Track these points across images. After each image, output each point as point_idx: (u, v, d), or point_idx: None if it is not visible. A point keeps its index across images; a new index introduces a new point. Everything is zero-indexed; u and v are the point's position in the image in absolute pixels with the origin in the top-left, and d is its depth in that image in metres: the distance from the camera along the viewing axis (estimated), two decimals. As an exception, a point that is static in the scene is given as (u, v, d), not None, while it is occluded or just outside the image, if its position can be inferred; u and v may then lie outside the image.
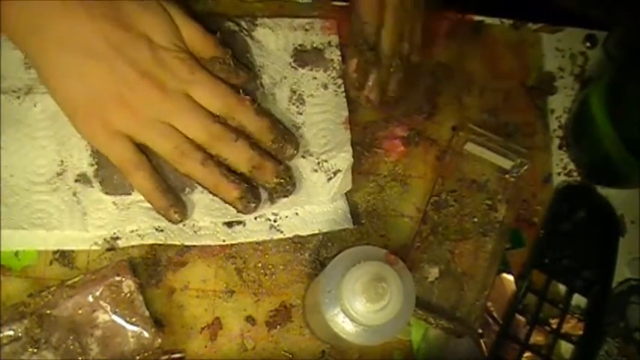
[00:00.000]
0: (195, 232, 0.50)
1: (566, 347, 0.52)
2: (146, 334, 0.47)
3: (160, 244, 0.50)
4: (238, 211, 0.49)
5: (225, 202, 0.49)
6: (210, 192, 0.49)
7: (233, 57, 0.50)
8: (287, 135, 0.50)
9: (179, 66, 0.48)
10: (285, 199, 0.51)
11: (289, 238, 0.51)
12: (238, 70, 0.50)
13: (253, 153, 0.48)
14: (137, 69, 0.47)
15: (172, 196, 0.49)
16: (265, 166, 0.49)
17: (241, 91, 0.50)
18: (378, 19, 0.50)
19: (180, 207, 0.49)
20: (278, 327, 0.50)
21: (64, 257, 0.49)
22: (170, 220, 0.49)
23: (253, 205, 0.49)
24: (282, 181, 0.49)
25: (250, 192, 0.49)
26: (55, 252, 0.49)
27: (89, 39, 0.46)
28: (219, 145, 0.48)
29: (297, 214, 0.51)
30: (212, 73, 0.49)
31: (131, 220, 0.49)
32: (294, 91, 0.53)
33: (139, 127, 0.47)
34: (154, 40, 0.48)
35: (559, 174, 0.56)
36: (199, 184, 0.50)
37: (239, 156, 0.48)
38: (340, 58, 0.55)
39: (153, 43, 0.47)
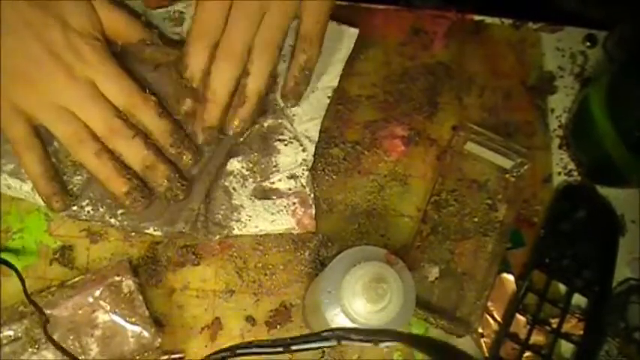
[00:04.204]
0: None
1: (566, 347, 0.52)
2: (146, 334, 0.47)
3: (158, 242, 0.50)
4: (126, 207, 0.49)
5: (115, 197, 0.49)
6: (102, 184, 0.49)
7: (161, 37, 0.51)
8: (187, 142, 0.50)
9: (90, 53, 0.47)
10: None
11: (290, 238, 0.51)
12: (167, 49, 0.51)
13: (148, 152, 0.48)
14: (47, 49, 0.46)
15: (58, 185, 0.48)
16: (157, 168, 0.48)
17: (147, 90, 0.49)
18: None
19: (63, 196, 0.48)
20: (278, 327, 0.50)
21: (64, 257, 0.49)
22: (51, 208, 0.49)
23: (140, 202, 0.48)
24: (171, 185, 0.49)
25: (139, 189, 0.48)
26: (55, 252, 0.49)
27: (4, 12, 0.46)
28: (116, 139, 0.48)
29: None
30: (121, 67, 0.49)
31: None
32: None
33: (39, 107, 0.47)
34: (69, 23, 0.47)
35: (559, 174, 0.56)
36: (91, 174, 0.49)
37: (134, 153, 0.48)
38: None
39: (68, 27, 0.47)
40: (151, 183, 0.49)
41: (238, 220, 0.50)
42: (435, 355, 0.33)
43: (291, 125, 0.52)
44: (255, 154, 0.51)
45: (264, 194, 0.51)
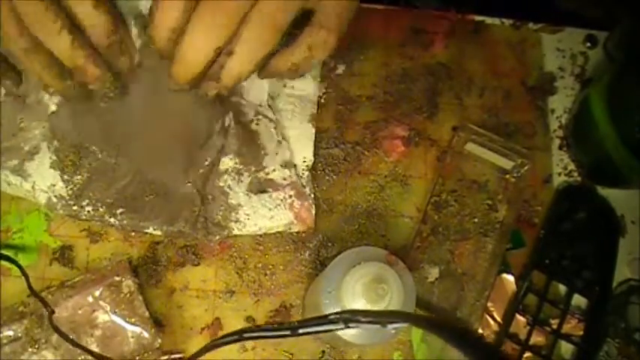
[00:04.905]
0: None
1: (566, 348, 0.52)
2: (146, 334, 0.47)
3: (158, 242, 0.50)
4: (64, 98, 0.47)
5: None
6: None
7: None
8: (125, 45, 0.45)
9: None
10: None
11: (290, 238, 0.51)
12: None
13: (75, 51, 0.43)
14: None
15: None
16: (86, 69, 0.44)
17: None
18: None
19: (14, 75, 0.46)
20: (278, 327, 0.50)
21: (63, 257, 0.49)
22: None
23: (77, 98, 0.47)
24: (103, 86, 0.46)
25: (70, 87, 0.46)
26: (55, 252, 0.49)
27: None
28: (43, 32, 0.42)
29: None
30: None
31: None
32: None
33: None
34: None
35: (559, 174, 0.56)
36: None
37: (60, 50, 0.43)
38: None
39: None
40: (83, 80, 0.45)
41: (237, 221, 0.50)
42: (442, 334, 0.33)
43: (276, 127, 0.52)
44: (244, 147, 0.51)
45: (260, 187, 0.51)
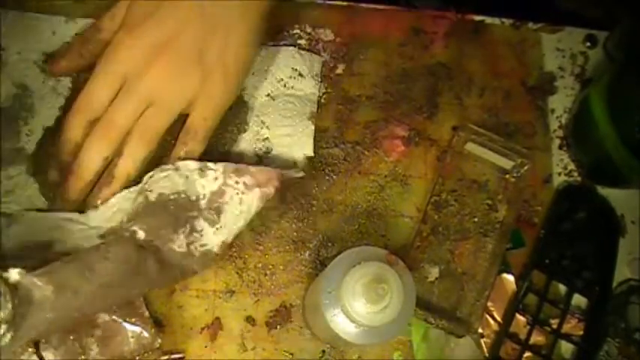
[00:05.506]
0: None
1: (566, 347, 0.52)
2: (146, 334, 0.47)
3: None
4: None
5: None
6: None
7: None
8: None
9: None
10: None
11: (290, 238, 0.51)
12: None
13: None
14: None
15: None
16: None
17: None
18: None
19: None
20: (278, 327, 0.50)
21: (63, 257, 0.49)
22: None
23: None
24: None
25: None
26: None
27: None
28: None
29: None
30: None
31: None
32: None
33: None
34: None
35: (559, 174, 0.56)
36: None
37: None
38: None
39: None
40: None
41: (220, 243, 0.47)
42: None
43: None
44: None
45: (211, 218, 0.47)
